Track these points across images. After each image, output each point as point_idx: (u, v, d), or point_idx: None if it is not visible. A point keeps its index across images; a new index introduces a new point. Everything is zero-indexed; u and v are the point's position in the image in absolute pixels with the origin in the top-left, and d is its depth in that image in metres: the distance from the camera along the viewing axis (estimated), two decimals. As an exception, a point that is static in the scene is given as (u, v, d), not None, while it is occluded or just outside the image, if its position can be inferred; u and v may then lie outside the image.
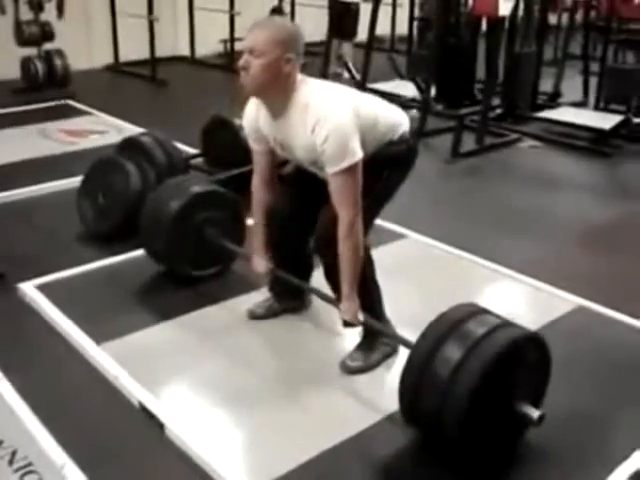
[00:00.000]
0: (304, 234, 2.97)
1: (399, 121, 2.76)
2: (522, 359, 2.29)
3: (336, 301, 2.77)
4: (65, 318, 3.13)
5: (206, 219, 3.38)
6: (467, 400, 2.15)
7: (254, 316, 3.20)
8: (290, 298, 3.23)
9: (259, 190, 2.93)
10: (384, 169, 2.74)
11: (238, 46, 9.11)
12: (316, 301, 3.24)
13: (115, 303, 3.36)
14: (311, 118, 2.46)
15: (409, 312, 3.04)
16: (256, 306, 3.22)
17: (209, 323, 3.21)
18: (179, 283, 3.49)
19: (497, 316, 2.39)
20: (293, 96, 2.52)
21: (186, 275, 3.46)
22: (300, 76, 2.55)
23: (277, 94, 2.52)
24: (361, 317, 2.70)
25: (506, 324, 2.33)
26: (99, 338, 2.98)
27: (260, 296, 3.28)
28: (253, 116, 2.74)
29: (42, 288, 3.40)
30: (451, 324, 2.30)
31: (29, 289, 3.38)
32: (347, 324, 2.81)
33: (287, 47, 2.46)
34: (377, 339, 2.89)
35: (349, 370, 2.83)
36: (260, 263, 3.03)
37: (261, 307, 3.21)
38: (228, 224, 3.46)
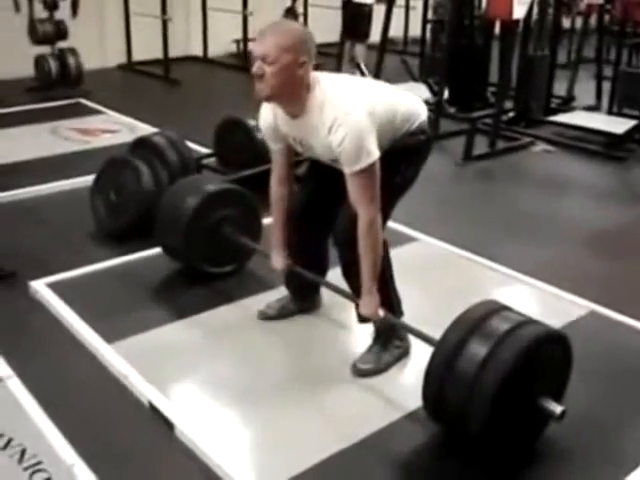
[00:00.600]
0: (321, 232, 2.97)
1: (417, 111, 2.74)
2: (545, 355, 2.29)
3: (354, 297, 2.77)
4: (76, 316, 3.13)
5: (223, 217, 3.39)
6: (492, 395, 2.15)
7: (265, 317, 3.19)
8: (303, 298, 3.23)
9: (277, 188, 2.92)
10: (402, 162, 2.73)
11: (251, 46, 9.12)
12: (328, 302, 3.25)
13: (126, 302, 3.36)
14: (327, 119, 2.45)
15: (422, 315, 3.01)
16: (267, 307, 3.21)
17: (221, 322, 3.20)
18: (191, 282, 3.49)
19: (519, 313, 2.40)
20: (309, 97, 2.51)
21: (202, 272, 3.46)
22: (313, 75, 2.53)
23: (293, 98, 2.52)
24: (381, 313, 2.69)
25: (529, 321, 2.34)
26: (110, 337, 2.98)
27: (274, 295, 3.28)
28: (270, 116, 2.73)
29: (53, 286, 3.40)
30: (476, 320, 2.31)
31: (40, 287, 3.39)
32: (363, 320, 2.82)
33: (299, 51, 2.44)
34: (389, 341, 2.88)
35: (360, 373, 2.81)
36: (278, 260, 3.02)
37: (272, 308, 3.21)
38: (244, 222, 3.46)
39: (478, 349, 2.22)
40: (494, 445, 2.29)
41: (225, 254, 3.48)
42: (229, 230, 3.39)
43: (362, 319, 2.82)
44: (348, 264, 2.74)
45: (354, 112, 2.45)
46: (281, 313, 3.20)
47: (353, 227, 2.56)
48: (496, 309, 2.39)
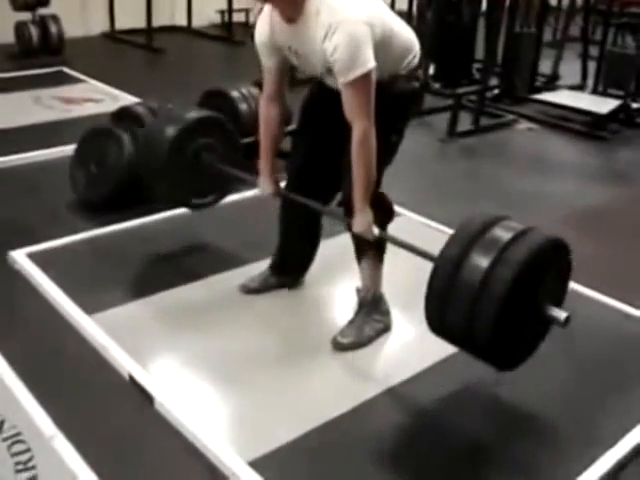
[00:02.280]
0: (319, 191, 2.92)
1: (414, 46, 2.69)
2: (549, 261, 2.26)
3: (346, 218, 2.69)
4: (56, 287, 3.11)
5: (203, 146, 3.22)
6: (498, 305, 2.11)
7: (247, 290, 3.18)
8: (287, 272, 3.21)
9: (267, 106, 2.84)
10: (397, 119, 2.71)
11: (235, 17, 9.05)
12: (309, 278, 3.24)
13: (107, 274, 3.34)
14: (323, 24, 2.39)
15: (404, 288, 3.03)
16: (250, 280, 3.20)
17: (202, 296, 3.19)
18: (173, 254, 3.48)
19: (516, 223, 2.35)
20: (306, 2, 2.44)
21: (185, 203, 3.39)
22: None
23: (291, 5, 2.45)
24: (375, 230, 2.63)
25: (529, 229, 2.29)
26: (89, 308, 2.96)
27: (255, 269, 3.26)
28: (265, 28, 2.64)
29: (33, 256, 3.37)
30: (475, 231, 2.25)
31: (20, 257, 3.36)
32: (358, 242, 2.78)
33: None
34: (370, 315, 2.89)
35: (340, 347, 2.82)
36: (267, 185, 2.93)
37: (255, 281, 3.20)
38: (225, 152, 3.30)
39: (481, 259, 2.16)
40: (500, 354, 2.25)
41: (207, 183, 3.33)
42: (209, 158, 3.22)
43: (357, 239, 2.75)
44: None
45: (351, 19, 2.39)
46: (263, 286, 3.19)
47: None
48: (493, 220, 2.31)
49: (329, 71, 2.50)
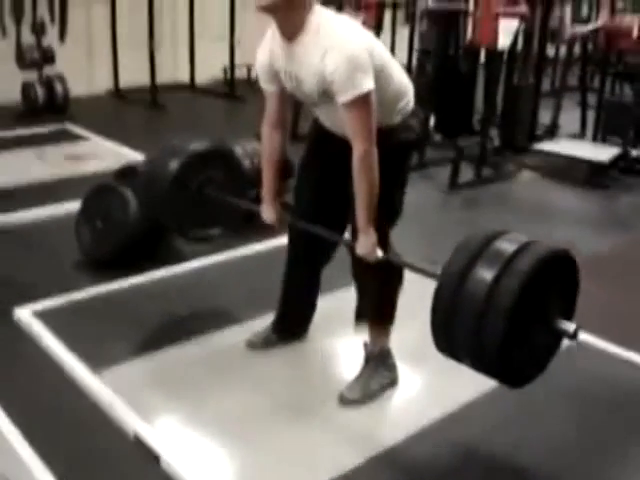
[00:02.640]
0: (318, 262, 3.01)
1: (407, 87, 2.71)
2: (554, 274, 2.24)
3: (349, 241, 2.68)
4: (61, 345, 3.11)
5: (207, 178, 3.20)
6: (505, 318, 2.08)
7: (253, 346, 3.18)
8: (292, 326, 3.23)
9: (269, 131, 2.84)
10: (396, 175, 2.73)
11: (238, 73, 9.17)
12: (314, 332, 3.24)
13: (112, 330, 3.34)
14: (321, 46, 2.41)
15: (409, 342, 3.03)
16: (254, 336, 3.20)
17: (207, 351, 3.19)
18: (177, 309, 3.48)
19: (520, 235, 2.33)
20: (307, 19, 2.46)
21: (187, 235, 3.37)
22: (317, 3, 2.51)
23: (291, 12, 2.45)
24: (379, 253, 2.61)
25: (532, 242, 2.27)
26: (95, 365, 2.96)
27: (261, 324, 3.26)
28: (265, 54, 2.67)
29: (38, 314, 3.37)
30: (478, 245, 2.24)
31: (25, 315, 3.36)
32: (359, 267, 2.76)
33: None
34: (376, 370, 2.88)
35: (347, 401, 2.81)
36: (269, 212, 2.92)
37: (259, 337, 3.20)
38: (230, 183, 3.29)
39: (485, 272, 2.14)
40: (509, 370, 2.22)
41: (212, 216, 3.31)
42: (212, 190, 3.21)
43: (359, 266, 2.74)
44: (365, 290, 2.82)
45: (352, 41, 2.42)
46: (267, 342, 3.19)
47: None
48: (496, 234, 2.31)
49: (325, 94, 2.50)
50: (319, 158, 2.90)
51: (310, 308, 3.20)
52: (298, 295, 3.16)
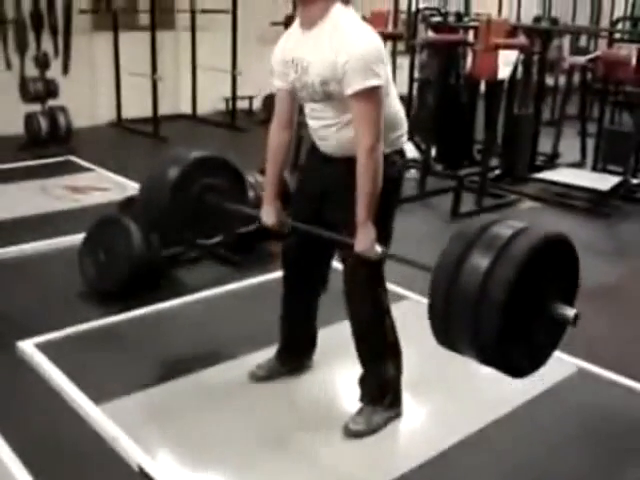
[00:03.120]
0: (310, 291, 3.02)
1: (403, 120, 2.76)
2: (550, 260, 2.21)
3: (346, 239, 2.65)
4: (64, 377, 3.11)
5: (206, 185, 3.18)
6: (501, 308, 2.06)
7: (256, 378, 3.17)
8: (294, 357, 3.22)
9: (277, 132, 2.86)
10: (387, 207, 2.72)
11: (239, 104, 9.25)
12: (318, 363, 3.24)
13: (116, 362, 3.34)
14: (339, 37, 2.49)
15: (414, 373, 3.03)
16: (258, 367, 3.20)
17: (211, 383, 3.18)
18: (180, 341, 3.48)
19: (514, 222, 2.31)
20: (328, 11, 2.54)
21: (189, 243, 3.36)
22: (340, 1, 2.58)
23: (319, 2, 2.53)
24: (378, 249, 2.60)
25: (526, 227, 2.24)
26: (98, 398, 2.95)
27: (264, 355, 3.26)
28: (280, 48, 2.75)
29: (41, 346, 3.37)
30: (471, 235, 2.22)
31: (28, 347, 3.36)
32: (353, 266, 2.73)
33: None
34: (380, 402, 2.87)
35: (351, 434, 2.80)
36: (269, 213, 2.91)
37: (262, 368, 3.20)
38: (229, 191, 3.26)
39: (480, 260, 2.12)
40: (509, 360, 2.20)
41: (213, 223, 3.28)
42: (212, 198, 3.17)
43: (352, 267, 2.72)
44: (357, 321, 2.79)
45: (369, 39, 2.50)
46: (270, 374, 3.19)
47: (357, 277, 2.65)
48: (490, 222, 2.29)
49: (328, 85, 2.53)
50: (307, 197, 2.90)
51: (310, 336, 3.20)
52: (297, 323, 3.16)
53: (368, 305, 2.79)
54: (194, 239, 3.30)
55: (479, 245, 2.16)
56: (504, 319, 2.07)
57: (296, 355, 3.23)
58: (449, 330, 2.22)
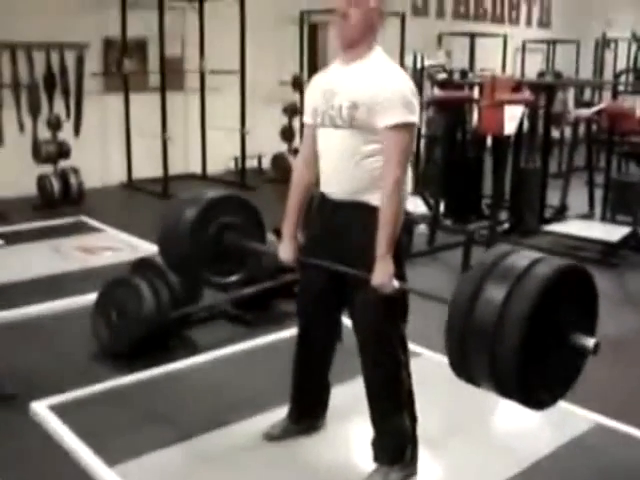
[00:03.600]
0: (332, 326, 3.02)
1: (408, 181, 2.88)
2: (566, 289, 2.19)
3: (364, 274, 2.62)
4: (77, 439, 3.10)
5: (225, 224, 3.18)
6: (518, 339, 2.04)
7: (271, 438, 3.16)
8: (307, 416, 3.20)
9: (301, 169, 2.92)
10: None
11: (248, 164, 9.35)
12: (332, 422, 3.22)
13: (129, 423, 3.33)
14: (380, 72, 2.62)
15: (431, 429, 3.01)
16: (272, 427, 3.18)
17: (224, 445, 3.16)
18: (194, 402, 3.47)
19: (530, 252, 2.31)
20: (371, 51, 2.68)
21: (208, 283, 3.37)
22: (379, 45, 2.72)
23: (363, 43, 2.66)
24: (396, 283, 2.59)
25: (542, 258, 2.23)
26: (111, 460, 2.94)
27: (275, 417, 3.25)
28: (317, 79, 2.84)
29: (55, 408, 3.37)
30: (486, 267, 2.21)
31: (41, 409, 3.36)
32: (368, 302, 2.71)
33: (380, 1, 2.67)
34: (396, 461, 2.84)
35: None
36: (287, 249, 2.94)
37: (277, 428, 3.18)
38: (247, 230, 3.26)
39: (495, 292, 2.11)
40: (528, 393, 2.17)
41: (230, 262, 3.26)
42: (231, 237, 3.17)
43: (368, 302, 2.70)
44: (375, 376, 2.78)
45: (408, 82, 2.64)
46: (284, 433, 3.17)
47: (378, 313, 2.67)
48: (504, 253, 2.28)
49: (354, 112, 2.60)
50: (318, 245, 2.89)
51: (323, 393, 3.17)
52: (310, 380, 3.14)
53: (384, 358, 2.79)
54: (212, 278, 3.27)
55: (495, 276, 2.17)
56: (522, 352, 2.06)
57: (309, 413, 3.21)
58: (467, 363, 2.21)
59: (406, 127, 2.57)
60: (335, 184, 2.76)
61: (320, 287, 2.89)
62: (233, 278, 3.29)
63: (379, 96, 2.56)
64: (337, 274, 2.75)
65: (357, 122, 2.61)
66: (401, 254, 2.74)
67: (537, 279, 2.12)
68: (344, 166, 2.69)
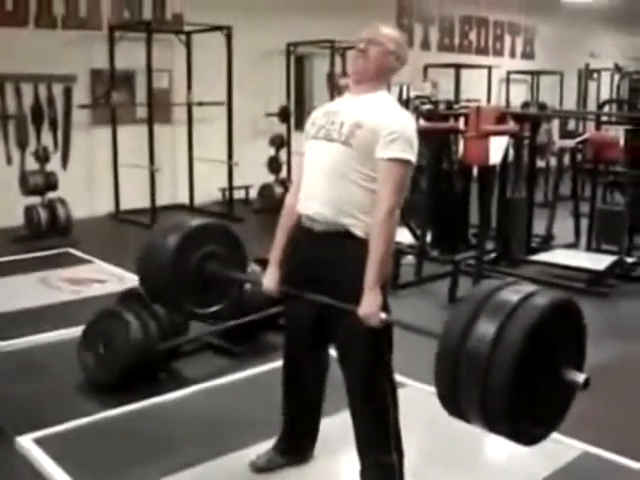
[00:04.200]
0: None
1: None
2: (556, 324, 2.19)
3: (349, 305, 2.61)
4: (63, 473, 3.07)
5: (206, 254, 3.15)
6: (508, 376, 2.05)
7: (256, 468, 3.14)
8: (295, 448, 3.18)
9: (291, 203, 2.91)
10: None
11: (236, 195, 9.37)
12: (319, 453, 3.21)
13: (117, 457, 3.30)
14: (386, 108, 2.70)
15: (417, 462, 3.01)
16: (258, 457, 3.16)
17: (213, 477, 3.15)
18: (182, 435, 3.45)
19: (519, 286, 2.31)
20: (378, 89, 2.77)
21: (189, 313, 3.36)
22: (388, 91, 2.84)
23: (374, 82, 2.76)
24: (383, 315, 2.59)
25: (533, 292, 2.24)
26: (98, 495, 2.93)
27: (266, 446, 3.21)
28: (322, 108, 2.88)
29: (41, 442, 3.34)
30: (476, 303, 2.21)
31: (27, 443, 3.33)
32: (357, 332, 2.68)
33: (399, 47, 2.78)
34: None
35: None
36: (272, 278, 2.92)
37: (262, 459, 3.16)
38: (229, 260, 3.23)
39: (487, 328, 2.11)
40: (518, 429, 2.16)
41: (212, 293, 3.24)
42: (213, 266, 3.15)
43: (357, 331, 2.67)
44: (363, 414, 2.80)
45: (412, 122, 2.72)
46: (271, 465, 3.14)
47: (364, 346, 2.67)
48: (497, 287, 2.28)
49: (354, 129, 2.64)
50: (299, 278, 2.87)
51: (312, 426, 3.15)
52: (299, 413, 3.12)
53: (370, 391, 2.78)
54: (193, 309, 3.25)
55: (486, 311, 2.17)
56: (513, 387, 2.07)
57: (297, 443, 3.18)
58: (457, 400, 2.20)
59: (404, 163, 2.61)
60: (316, 200, 2.72)
61: (305, 318, 2.87)
62: (214, 309, 3.27)
63: (384, 127, 2.61)
64: (322, 305, 2.75)
65: (355, 140, 2.63)
66: (386, 285, 2.73)
67: (529, 314, 2.13)
68: (329, 182, 2.68)
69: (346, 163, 2.64)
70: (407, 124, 2.66)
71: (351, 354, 2.77)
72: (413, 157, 2.63)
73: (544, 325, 2.13)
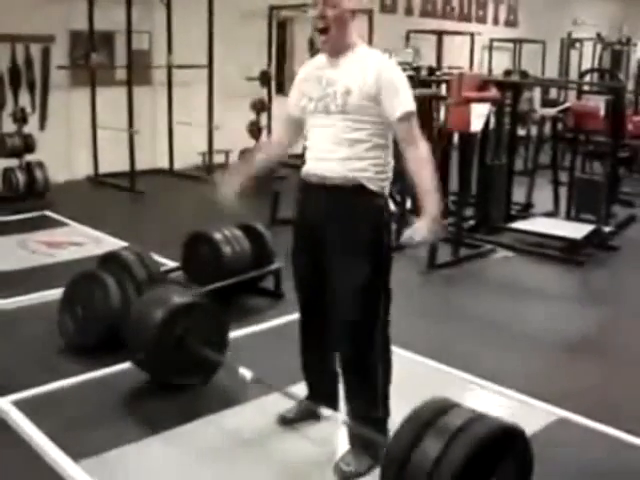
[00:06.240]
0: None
1: (391, 164, 2.87)
2: (500, 450, 2.25)
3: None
4: (42, 435, 3.07)
5: (188, 328, 3.40)
6: None
7: (285, 421, 3.17)
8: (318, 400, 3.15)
9: (278, 137, 3.10)
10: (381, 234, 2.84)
11: (216, 159, 9.32)
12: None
13: (95, 418, 3.31)
14: (373, 65, 2.73)
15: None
16: (287, 411, 3.19)
17: (194, 438, 3.16)
18: (162, 396, 3.46)
19: (470, 409, 2.40)
20: (354, 44, 2.79)
21: (167, 383, 3.46)
22: (363, 40, 2.86)
23: (344, 40, 2.77)
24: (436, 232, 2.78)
25: (481, 416, 2.33)
26: (77, 455, 2.92)
27: (249, 408, 3.25)
28: (305, 70, 2.94)
29: (19, 404, 3.34)
30: (426, 419, 2.29)
31: (5, 405, 3.32)
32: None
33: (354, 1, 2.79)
34: (368, 448, 2.85)
35: (343, 475, 2.80)
36: (232, 183, 3.16)
37: (291, 411, 3.18)
38: (210, 334, 3.48)
39: (432, 446, 2.19)
40: None
41: (191, 366, 3.45)
42: (193, 342, 3.39)
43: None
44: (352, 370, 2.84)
45: (399, 69, 2.80)
46: (301, 415, 3.18)
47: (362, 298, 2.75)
48: (445, 407, 2.36)
49: (347, 98, 2.69)
50: (305, 250, 2.95)
51: (333, 376, 3.12)
52: (316, 370, 3.15)
53: (362, 338, 2.85)
54: (175, 378, 3.47)
55: (432, 432, 2.25)
56: None
57: (322, 394, 3.15)
58: None
59: (408, 114, 2.72)
60: (327, 162, 2.79)
61: (310, 269, 2.95)
62: (192, 382, 3.50)
63: (377, 91, 2.68)
64: (320, 260, 2.83)
65: (350, 107, 2.70)
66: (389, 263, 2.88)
67: (470, 439, 2.20)
68: (338, 147, 2.76)
69: (349, 128, 2.73)
70: (399, 72, 2.76)
71: (348, 299, 2.80)
72: (413, 105, 2.74)
73: (485, 451, 2.20)
